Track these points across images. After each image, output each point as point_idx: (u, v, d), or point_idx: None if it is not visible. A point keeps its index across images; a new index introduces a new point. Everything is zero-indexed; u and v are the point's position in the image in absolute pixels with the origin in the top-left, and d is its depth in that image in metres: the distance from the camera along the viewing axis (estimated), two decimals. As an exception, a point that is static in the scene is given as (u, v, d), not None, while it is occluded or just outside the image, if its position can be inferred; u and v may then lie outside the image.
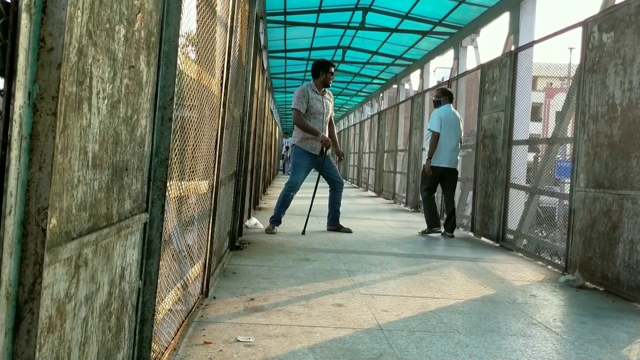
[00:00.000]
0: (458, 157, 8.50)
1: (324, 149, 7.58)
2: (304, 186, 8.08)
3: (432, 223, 8.32)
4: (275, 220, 7.63)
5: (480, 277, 5.29)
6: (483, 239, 8.18)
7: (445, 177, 8.35)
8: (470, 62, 12.52)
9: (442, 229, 8.38)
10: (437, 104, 8.56)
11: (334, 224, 7.98)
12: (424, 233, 8.31)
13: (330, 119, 7.86)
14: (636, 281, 4.55)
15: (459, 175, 9.09)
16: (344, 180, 7.93)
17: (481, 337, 3.44)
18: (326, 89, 7.76)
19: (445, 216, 8.54)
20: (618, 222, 4.81)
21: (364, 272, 5.20)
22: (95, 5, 1.42)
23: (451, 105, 8.46)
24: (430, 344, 3.26)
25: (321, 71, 7.62)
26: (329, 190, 7.91)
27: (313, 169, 7.81)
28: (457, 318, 3.85)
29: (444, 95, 8.51)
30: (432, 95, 9.84)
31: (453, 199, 8.53)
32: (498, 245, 7.58)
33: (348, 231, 7.90)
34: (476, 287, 4.84)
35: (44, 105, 1.14)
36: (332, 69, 7.64)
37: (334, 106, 7.80)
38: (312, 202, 7.92)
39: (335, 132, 8.14)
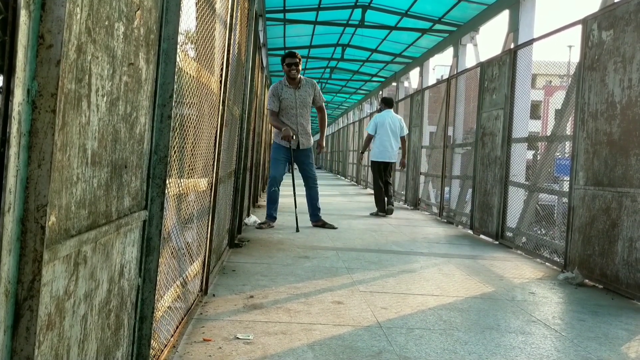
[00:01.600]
0: (395, 153, 10.41)
1: (298, 141, 7.63)
2: (300, 184, 8.09)
3: (378, 207, 10.19)
4: (267, 216, 7.74)
5: (479, 275, 5.29)
6: (482, 236, 8.19)
7: (382, 169, 10.26)
8: (470, 60, 12.51)
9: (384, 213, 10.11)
10: (379, 110, 10.88)
11: (314, 220, 8.01)
12: (371, 214, 10.18)
13: (320, 106, 7.84)
14: (635, 279, 4.56)
15: (459, 173, 10.28)
16: (316, 175, 8.00)
17: (480, 335, 3.44)
18: (305, 79, 7.71)
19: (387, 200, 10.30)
20: (617, 219, 4.81)
21: (363, 269, 5.20)
22: (95, 2, 1.41)
23: (391, 110, 10.43)
24: (429, 341, 3.26)
25: (282, 66, 7.66)
26: (304, 186, 7.98)
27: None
28: (456, 315, 3.85)
29: (382, 103, 10.64)
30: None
31: (388, 187, 10.36)
32: (497, 242, 7.58)
33: (332, 227, 7.90)
34: (475, 285, 4.84)
35: (43, 102, 1.14)
36: (287, 60, 7.50)
37: (320, 96, 7.77)
38: (294, 198, 7.89)
39: (325, 121, 8.09)
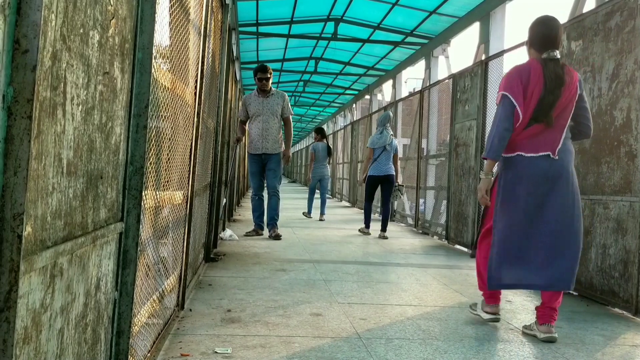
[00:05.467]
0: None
1: (262, 145, 7.97)
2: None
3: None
4: (255, 225, 8.19)
5: (456, 284, 5.31)
6: (457, 246, 8.23)
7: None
8: (442, 71, 12.65)
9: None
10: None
11: (269, 227, 8.13)
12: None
13: (286, 118, 8.15)
14: (609, 285, 4.61)
15: (433, 184, 10.38)
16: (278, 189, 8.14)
17: (459, 343, 3.44)
18: (276, 91, 8.12)
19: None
20: (590, 227, 4.88)
21: (340, 281, 5.18)
22: (69, 9, 1.39)
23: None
24: (409, 351, 3.25)
25: (254, 79, 8.10)
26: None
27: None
28: (434, 325, 3.85)
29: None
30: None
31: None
32: (470, 252, 7.62)
33: (277, 238, 7.94)
34: (453, 294, 4.86)
35: (19, 108, 1.11)
36: (259, 74, 7.93)
37: (287, 109, 8.15)
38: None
39: (291, 132, 8.50)
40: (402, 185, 9.58)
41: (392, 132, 9.38)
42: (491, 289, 3.81)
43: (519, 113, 3.57)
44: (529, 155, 3.62)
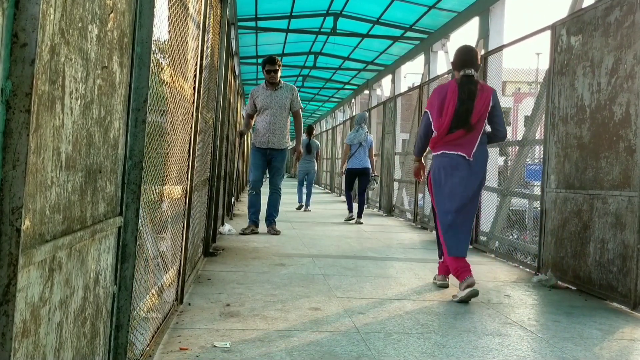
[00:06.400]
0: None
1: (268, 139, 7.79)
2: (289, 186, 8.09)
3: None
4: (250, 221, 7.89)
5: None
6: (456, 241, 8.23)
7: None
8: (441, 66, 12.62)
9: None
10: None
11: (267, 224, 8.04)
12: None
13: (296, 111, 7.99)
14: (607, 279, 4.62)
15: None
16: (280, 187, 8.22)
17: (457, 338, 3.45)
18: (285, 84, 7.94)
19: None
20: (589, 221, 4.89)
21: (339, 275, 5.19)
22: (68, 3, 1.39)
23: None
24: (407, 345, 3.26)
25: (262, 70, 7.91)
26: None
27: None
28: (433, 319, 3.86)
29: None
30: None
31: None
32: (471, 247, 7.63)
33: (275, 233, 7.91)
34: (451, 289, 4.86)
35: (17, 102, 1.11)
36: (267, 67, 7.76)
37: (297, 102, 7.98)
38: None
39: (301, 127, 8.31)
40: (377, 176, 11.25)
41: (367, 130, 10.76)
42: (452, 255, 4.70)
43: (432, 124, 4.74)
44: (450, 152, 4.66)
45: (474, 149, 4.60)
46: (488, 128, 4.82)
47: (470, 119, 4.57)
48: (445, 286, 4.91)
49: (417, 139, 5.04)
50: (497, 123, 4.74)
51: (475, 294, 4.37)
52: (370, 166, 10.50)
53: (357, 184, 10.78)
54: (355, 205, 10.75)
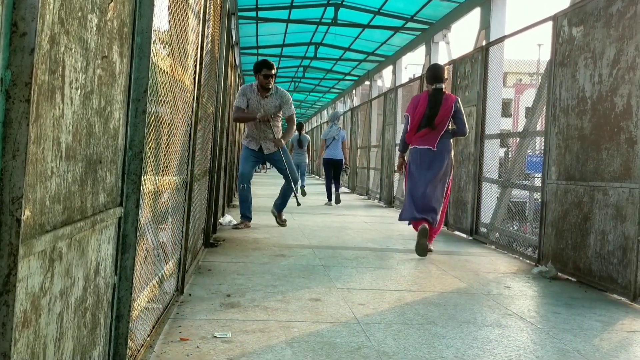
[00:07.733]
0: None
1: (260, 145, 7.52)
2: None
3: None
4: (242, 217, 7.67)
5: (454, 270, 5.32)
6: (456, 232, 8.25)
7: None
8: (442, 57, 12.60)
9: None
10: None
11: (277, 210, 7.91)
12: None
13: (289, 118, 7.67)
14: (608, 271, 4.63)
15: None
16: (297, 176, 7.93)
17: (457, 329, 3.46)
18: (275, 89, 7.46)
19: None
20: (589, 213, 4.88)
21: (339, 266, 5.20)
22: (68, -8, 1.38)
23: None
24: (407, 336, 3.27)
25: (256, 73, 7.39)
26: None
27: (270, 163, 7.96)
28: (433, 310, 3.87)
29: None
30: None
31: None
32: (471, 238, 7.65)
33: (282, 225, 7.89)
34: (451, 280, 4.87)
35: (17, 91, 1.11)
36: (264, 71, 7.24)
37: (288, 109, 7.56)
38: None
39: (292, 129, 7.93)
40: (349, 167, 14.06)
41: (340, 126, 13.04)
42: (400, 220, 6.36)
43: (408, 125, 6.16)
44: (419, 147, 6.10)
45: (437, 142, 6.02)
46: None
47: (434, 121, 6.01)
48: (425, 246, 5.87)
49: (401, 138, 6.35)
50: (458, 124, 6.15)
51: (423, 233, 5.82)
52: (342, 157, 12.52)
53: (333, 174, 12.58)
54: (333, 191, 12.40)
